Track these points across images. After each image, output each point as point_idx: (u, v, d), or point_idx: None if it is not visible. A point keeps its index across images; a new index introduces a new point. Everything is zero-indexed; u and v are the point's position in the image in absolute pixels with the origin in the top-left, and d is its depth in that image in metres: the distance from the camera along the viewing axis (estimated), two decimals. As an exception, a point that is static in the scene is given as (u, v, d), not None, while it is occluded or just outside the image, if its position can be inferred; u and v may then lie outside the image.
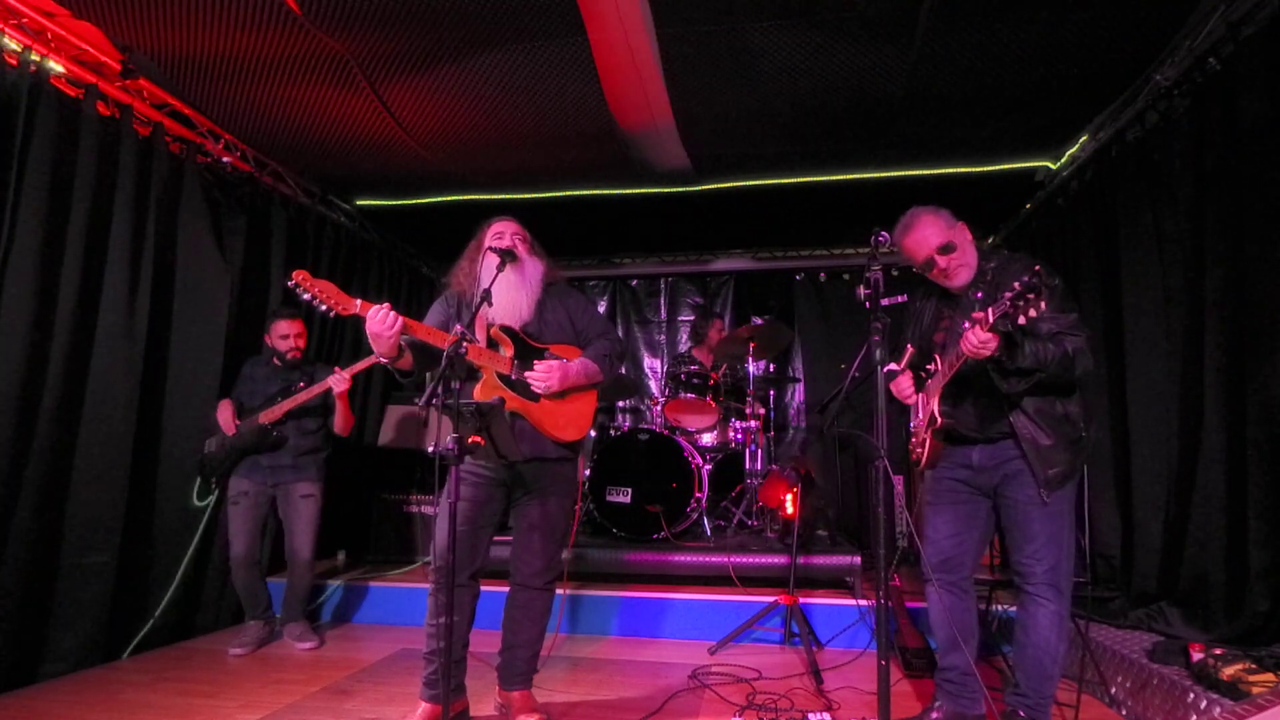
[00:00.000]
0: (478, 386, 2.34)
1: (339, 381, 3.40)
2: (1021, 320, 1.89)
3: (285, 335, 3.51)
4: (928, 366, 2.39)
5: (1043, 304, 1.84)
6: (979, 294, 2.30)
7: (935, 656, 2.76)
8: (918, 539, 2.63)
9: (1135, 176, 3.33)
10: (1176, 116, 3.07)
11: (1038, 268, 1.87)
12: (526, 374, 2.41)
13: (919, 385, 2.44)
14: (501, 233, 2.52)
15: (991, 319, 1.96)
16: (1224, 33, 2.75)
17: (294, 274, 2.17)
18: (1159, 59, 3.13)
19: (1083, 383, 2.26)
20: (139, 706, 2.68)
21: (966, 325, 2.09)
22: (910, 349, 2.56)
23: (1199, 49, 2.91)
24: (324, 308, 2.18)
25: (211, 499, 3.64)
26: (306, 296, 2.17)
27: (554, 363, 2.41)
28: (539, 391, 2.41)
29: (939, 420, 2.29)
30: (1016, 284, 1.86)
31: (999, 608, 3.36)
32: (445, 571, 2.29)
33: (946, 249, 2.31)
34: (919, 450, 2.40)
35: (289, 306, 3.70)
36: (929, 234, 2.32)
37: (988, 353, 2.03)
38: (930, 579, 2.39)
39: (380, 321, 2.18)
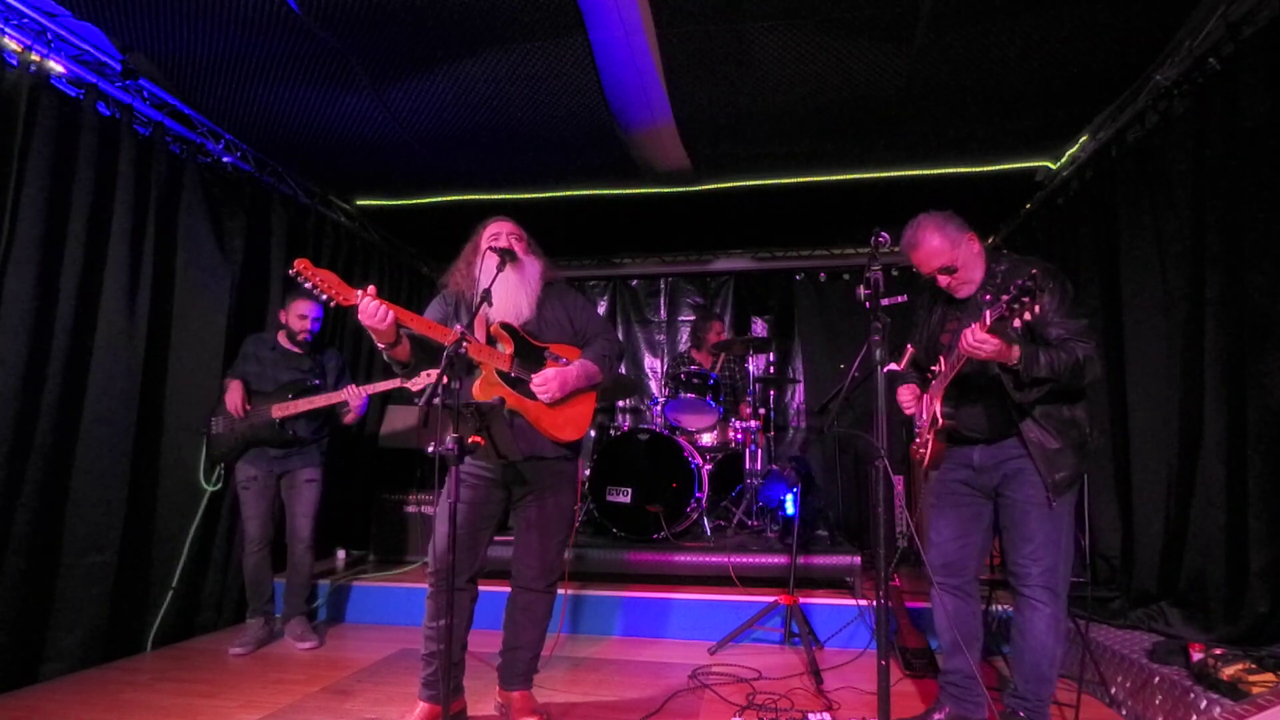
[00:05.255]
0: (477, 383, 2.34)
1: (355, 398, 3.47)
2: (1017, 323, 1.89)
3: (304, 316, 3.53)
4: (933, 368, 2.39)
5: (1038, 307, 1.84)
6: (987, 296, 2.27)
7: (935, 656, 2.76)
8: (918, 540, 2.64)
9: (1135, 176, 3.33)
10: (1176, 116, 3.07)
11: (1035, 270, 1.88)
12: (532, 389, 2.41)
13: (923, 386, 2.44)
14: (498, 233, 2.52)
15: (990, 321, 1.96)
16: (1224, 33, 2.75)
17: (295, 263, 2.16)
18: (1159, 59, 3.13)
19: (1090, 388, 2.25)
20: (139, 706, 2.68)
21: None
22: (910, 349, 2.56)
23: (1199, 49, 2.91)
24: (324, 297, 2.18)
25: (219, 484, 3.65)
26: (308, 286, 2.16)
27: (551, 373, 2.41)
28: (545, 403, 2.41)
29: (940, 421, 2.29)
30: (1013, 286, 1.86)
31: (999, 608, 3.36)
32: (443, 574, 2.30)
33: (947, 270, 2.30)
34: (921, 451, 2.41)
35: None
36: (934, 250, 2.30)
37: (984, 352, 2.03)
38: (934, 582, 2.39)
39: (370, 315, 2.18)
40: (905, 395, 2.48)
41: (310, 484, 3.54)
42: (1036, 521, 2.21)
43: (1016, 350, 2.06)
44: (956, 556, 2.38)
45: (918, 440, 2.44)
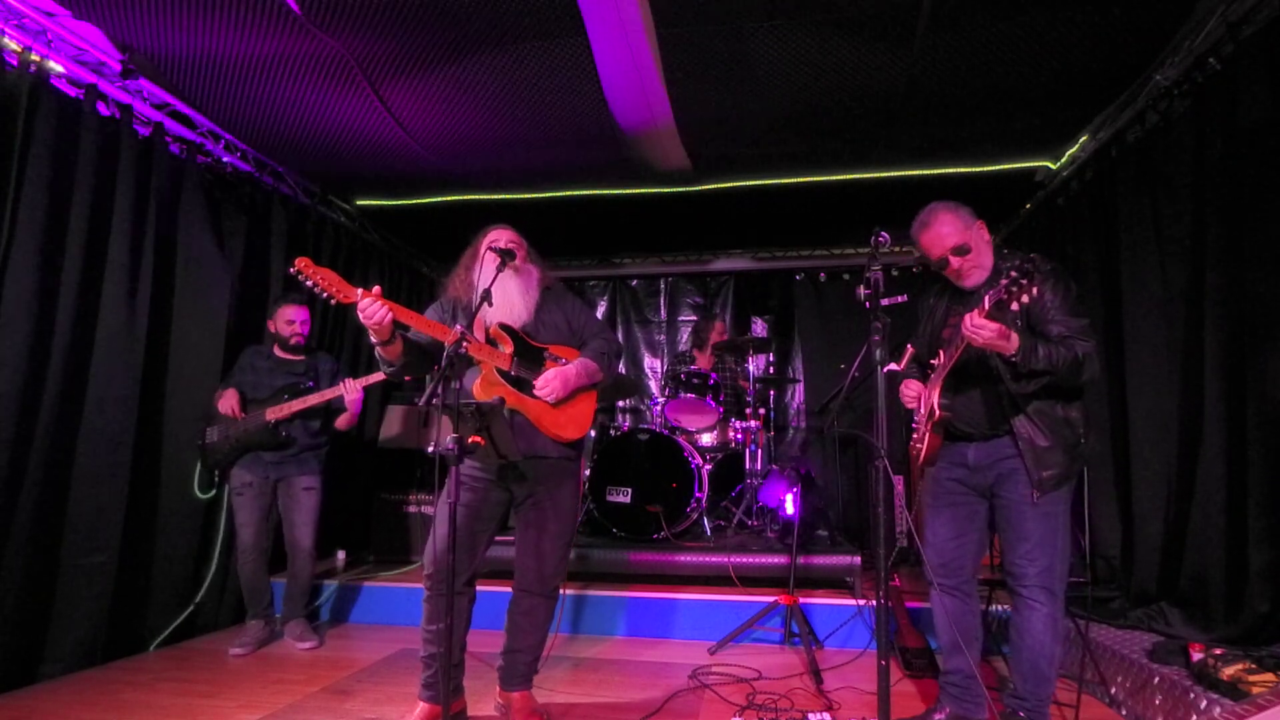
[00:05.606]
0: (477, 383, 2.34)
1: (350, 391, 3.45)
2: (1015, 306, 1.91)
3: (291, 321, 3.52)
4: (932, 361, 2.39)
5: (1035, 289, 1.86)
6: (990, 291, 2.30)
7: (935, 656, 2.77)
8: (918, 539, 2.64)
9: (1135, 176, 3.34)
10: (1176, 116, 3.07)
11: (1033, 256, 1.90)
12: (535, 391, 2.41)
13: (924, 380, 2.44)
14: (497, 238, 2.54)
15: (988, 306, 1.98)
16: (1224, 33, 2.75)
17: (296, 261, 2.17)
18: (1159, 59, 3.13)
19: (1086, 388, 2.26)
20: (139, 706, 2.68)
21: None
22: (910, 349, 2.57)
23: (1199, 49, 2.91)
24: (325, 295, 2.18)
25: (214, 493, 3.63)
26: (309, 284, 2.17)
27: (551, 373, 2.42)
28: (548, 402, 2.42)
29: (937, 413, 2.29)
30: (1012, 271, 1.88)
31: (999, 608, 3.36)
32: (440, 576, 2.30)
33: (960, 250, 2.30)
34: (919, 445, 2.42)
35: (296, 293, 3.68)
36: (945, 232, 2.30)
37: (983, 336, 2.04)
38: (933, 583, 2.39)
39: (369, 317, 2.18)
40: (909, 390, 2.48)
41: (309, 492, 3.53)
42: (1032, 521, 2.21)
43: (1015, 339, 2.07)
44: (953, 556, 2.39)
45: (915, 436, 2.45)
